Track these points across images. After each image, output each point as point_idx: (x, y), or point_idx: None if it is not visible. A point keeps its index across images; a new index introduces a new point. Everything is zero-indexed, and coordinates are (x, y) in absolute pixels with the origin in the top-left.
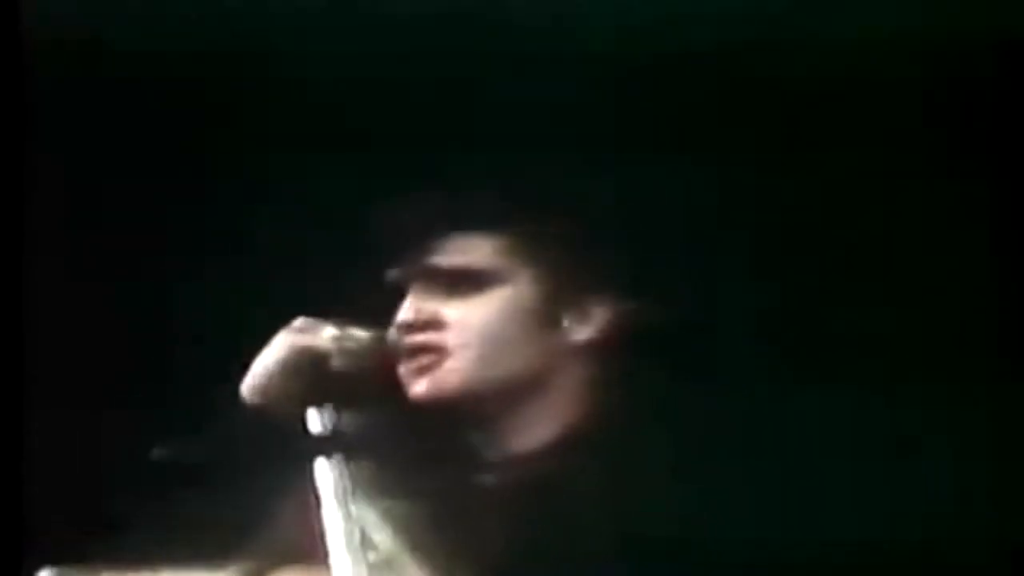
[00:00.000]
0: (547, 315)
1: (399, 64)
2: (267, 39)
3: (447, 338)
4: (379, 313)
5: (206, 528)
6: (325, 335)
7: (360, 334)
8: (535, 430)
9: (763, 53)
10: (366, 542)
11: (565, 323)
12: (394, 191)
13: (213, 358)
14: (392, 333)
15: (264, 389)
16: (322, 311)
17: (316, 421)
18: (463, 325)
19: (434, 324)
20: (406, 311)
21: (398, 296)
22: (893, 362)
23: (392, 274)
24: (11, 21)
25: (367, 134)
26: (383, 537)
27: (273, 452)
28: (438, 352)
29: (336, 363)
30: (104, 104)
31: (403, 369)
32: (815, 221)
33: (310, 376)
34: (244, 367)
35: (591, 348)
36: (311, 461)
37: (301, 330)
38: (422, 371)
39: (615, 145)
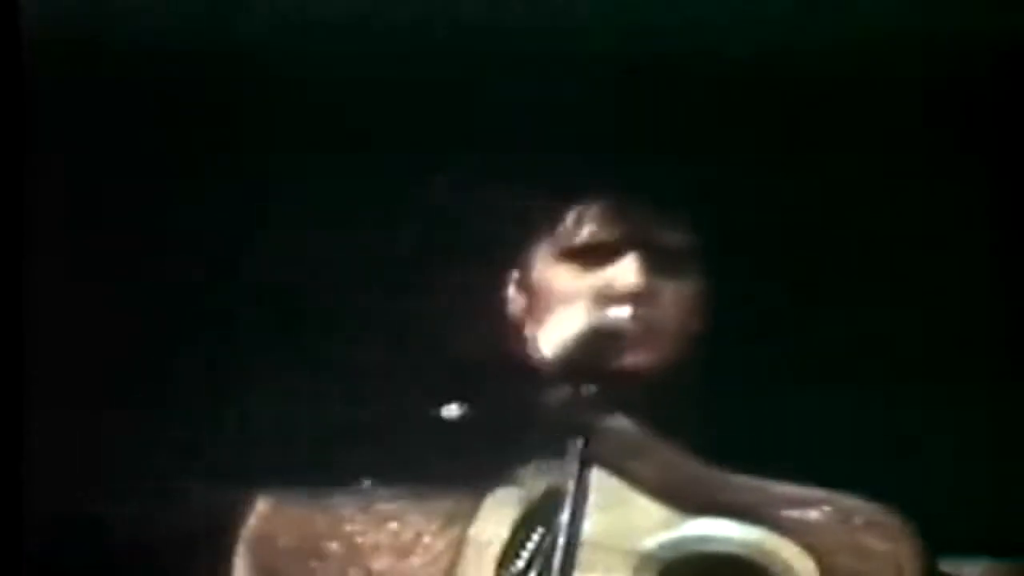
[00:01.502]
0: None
1: (399, 65)
2: (267, 39)
3: (655, 315)
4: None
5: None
6: (618, 312)
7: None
8: None
9: (763, 54)
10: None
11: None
12: (394, 191)
13: (213, 358)
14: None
15: (561, 359)
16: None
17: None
18: (665, 305)
19: (648, 298)
20: (632, 276)
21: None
22: (893, 362)
23: (609, 235)
24: (11, 21)
25: (367, 134)
26: None
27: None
28: (646, 328)
29: (625, 339)
30: (104, 104)
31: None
32: (815, 221)
33: (603, 350)
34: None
35: None
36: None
37: (600, 304)
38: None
39: (615, 145)
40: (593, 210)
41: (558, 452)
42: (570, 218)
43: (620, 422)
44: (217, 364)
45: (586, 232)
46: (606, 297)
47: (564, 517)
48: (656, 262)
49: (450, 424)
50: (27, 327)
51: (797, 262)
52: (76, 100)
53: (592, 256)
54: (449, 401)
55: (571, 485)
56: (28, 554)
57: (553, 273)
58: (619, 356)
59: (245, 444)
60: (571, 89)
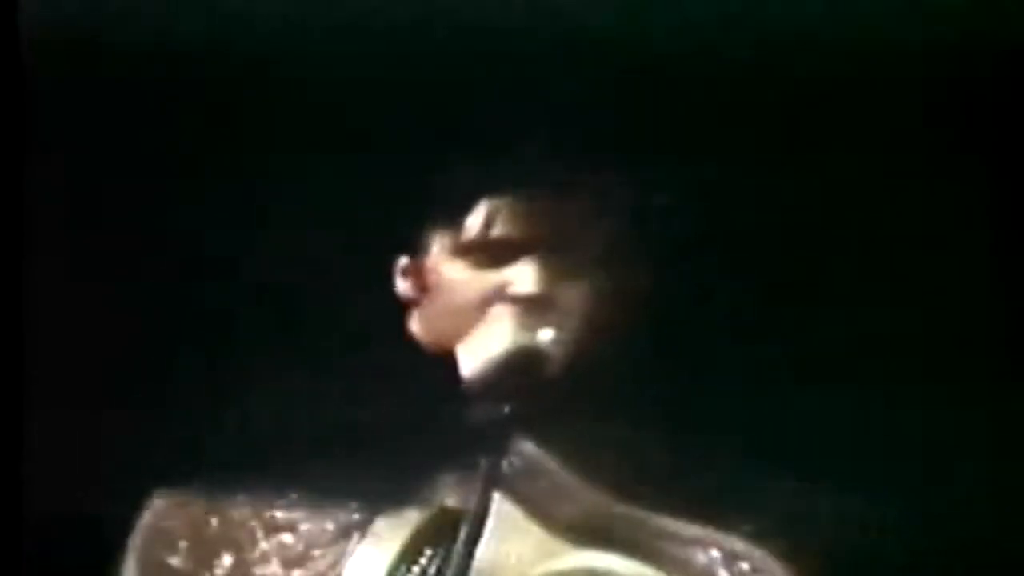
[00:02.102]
0: None
1: (399, 65)
2: (268, 39)
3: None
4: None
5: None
6: (543, 336)
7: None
8: None
9: (763, 53)
10: None
11: None
12: (394, 190)
13: (213, 358)
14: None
15: (478, 379)
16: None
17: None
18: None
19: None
20: (532, 283)
21: None
22: (893, 362)
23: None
24: (11, 21)
25: (367, 134)
26: None
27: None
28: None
29: (550, 365)
30: (104, 104)
31: None
32: (815, 221)
33: (525, 374)
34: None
35: None
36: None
37: (523, 325)
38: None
39: (615, 145)
40: (506, 207)
41: (466, 471)
42: (480, 216)
43: (527, 447)
44: (217, 364)
45: (497, 229)
46: (521, 303)
47: (460, 541)
48: (570, 267)
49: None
50: (27, 327)
51: (797, 262)
52: (76, 100)
53: (496, 255)
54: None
55: (470, 507)
56: (28, 554)
57: (459, 275)
58: (542, 373)
59: (245, 444)
60: (571, 89)
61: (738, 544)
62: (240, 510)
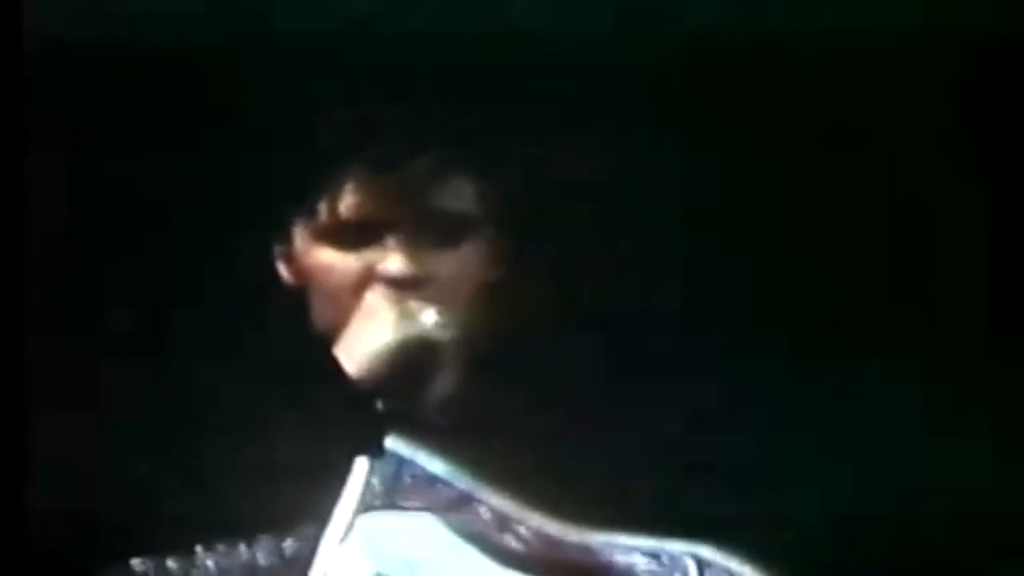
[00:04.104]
0: None
1: (401, 67)
2: (268, 40)
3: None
4: None
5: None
6: (426, 320)
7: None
8: None
9: (762, 53)
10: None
11: None
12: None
13: (214, 357)
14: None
15: (369, 371)
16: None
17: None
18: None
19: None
20: (399, 262)
21: None
22: (892, 362)
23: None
24: (12, 20)
25: (367, 135)
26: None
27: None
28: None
29: (441, 352)
30: (104, 104)
31: None
32: (815, 220)
33: (413, 363)
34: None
35: None
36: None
37: (409, 314)
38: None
39: (614, 137)
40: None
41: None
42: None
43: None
44: (217, 364)
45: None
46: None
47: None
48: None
49: None
50: (27, 327)
51: (796, 261)
52: (76, 100)
53: (356, 237)
54: None
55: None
56: (29, 554)
57: (326, 260)
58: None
59: (244, 444)
60: (573, 89)
61: (706, 552)
62: None
